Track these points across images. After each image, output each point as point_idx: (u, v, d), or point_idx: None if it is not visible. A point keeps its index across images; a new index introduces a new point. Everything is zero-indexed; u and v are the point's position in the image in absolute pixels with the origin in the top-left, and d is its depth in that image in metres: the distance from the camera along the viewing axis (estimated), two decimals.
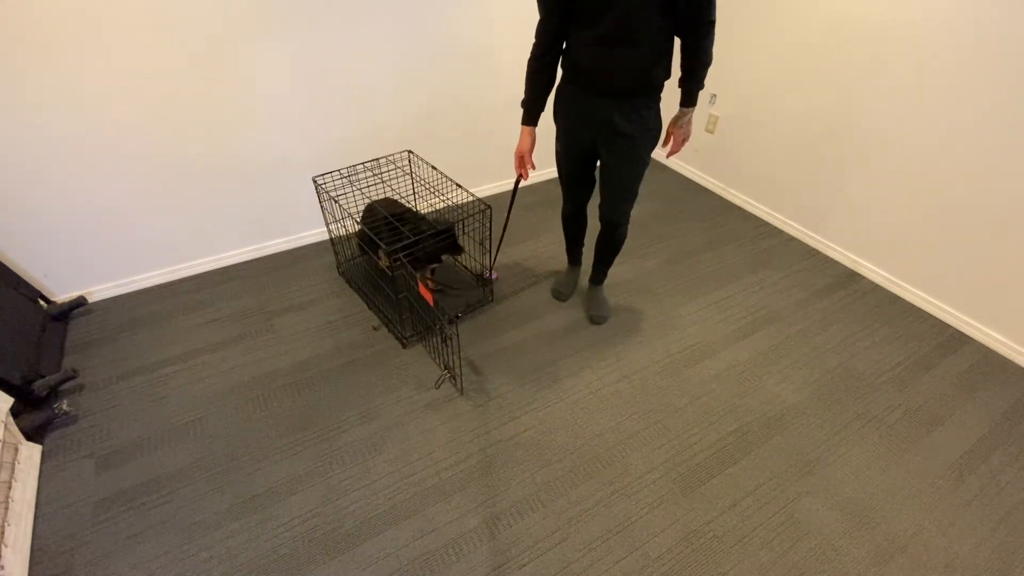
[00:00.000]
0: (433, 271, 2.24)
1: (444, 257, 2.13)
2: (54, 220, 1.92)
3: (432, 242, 1.93)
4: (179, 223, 2.16)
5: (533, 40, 1.59)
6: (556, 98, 1.73)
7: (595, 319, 2.13)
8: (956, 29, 1.83)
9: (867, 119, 2.18)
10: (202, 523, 1.46)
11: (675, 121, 1.70)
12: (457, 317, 2.11)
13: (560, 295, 2.23)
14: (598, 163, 1.81)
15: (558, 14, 1.51)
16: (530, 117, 1.70)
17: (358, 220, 2.13)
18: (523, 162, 1.79)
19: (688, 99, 1.64)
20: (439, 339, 1.86)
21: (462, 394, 1.82)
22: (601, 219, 1.90)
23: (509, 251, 2.50)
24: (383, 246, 1.80)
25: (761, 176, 2.75)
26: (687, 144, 1.75)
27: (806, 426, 1.76)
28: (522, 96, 1.67)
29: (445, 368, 1.88)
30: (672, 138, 1.72)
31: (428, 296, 1.76)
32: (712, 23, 1.47)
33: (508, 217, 2.09)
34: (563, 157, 1.86)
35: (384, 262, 1.88)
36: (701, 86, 1.60)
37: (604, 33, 1.46)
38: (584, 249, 2.23)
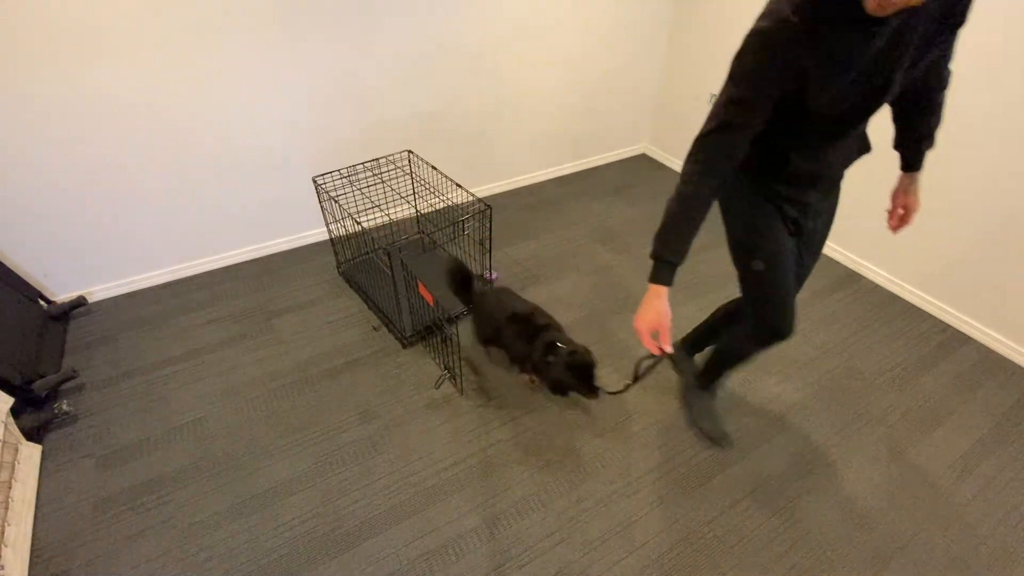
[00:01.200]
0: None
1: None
2: (54, 220, 1.92)
3: (565, 375, 1.58)
4: (179, 223, 2.16)
5: (699, 164, 1.05)
6: (759, 221, 1.26)
7: (722, 437, 1.68)
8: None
9: None
10: (202, 523, 1.46)
11: (906, 189, 1.35)
12: (457, 317, 2.11)
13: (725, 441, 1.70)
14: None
15: (765, 121, 1.02)
16: (672, 272, 1.13)
17: (358, 220, 2.13)
18: (663, 337, 1.17)
19: (920, 161, 1.30)
20: (439, 339, 1.86)
21: (462, 394, 1.82)
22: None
23: (509, 251, 2.50)
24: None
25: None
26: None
27: (806, 426, 1.76)
28: (656, 243, 1.13)
29: (445, 368, 1.88)
30: (907, 211, 1.39)
31: (428, 297, 1.76)
32: (951, 73, 1.16)
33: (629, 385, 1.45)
34: (779, 274, 1.31)
35: (528, 382, 1.78)
36: (934, 144, 1.29)
37: (846, 139, 1.16)
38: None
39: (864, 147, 1.27)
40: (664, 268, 1.13)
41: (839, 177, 1.32)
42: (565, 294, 2.26)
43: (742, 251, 1.33)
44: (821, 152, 1.17)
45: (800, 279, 1.39)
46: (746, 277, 1.35)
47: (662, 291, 1.14)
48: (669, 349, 1.18)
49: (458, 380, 1.84)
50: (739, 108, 1.02)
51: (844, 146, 1.19)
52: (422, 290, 1.77)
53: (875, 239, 2.33)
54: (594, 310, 2.19)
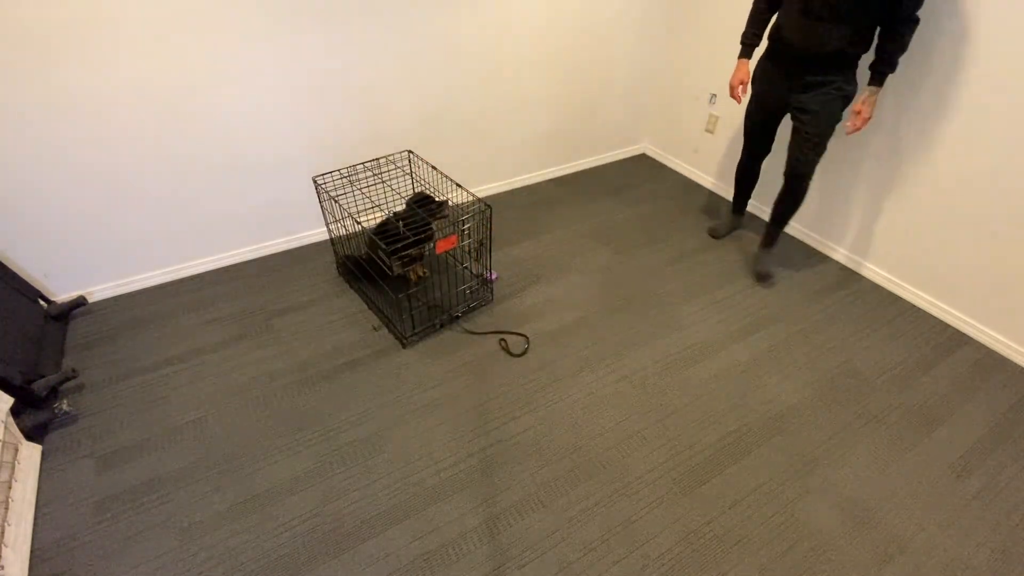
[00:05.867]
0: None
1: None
2: (54, 220, 1.92)
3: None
4: (179, 223, 2.16)
5: None
6: (758, 66, 2.05)
7: (763, 276, 2.33)
8: (957, 27, 1.83)
9: None
10: (202, 523, 1.46)
11: (865, 100, 1.84)
12: (456, 317, 2.11)
13: (717, 233, 2.61)
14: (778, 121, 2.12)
15: None
16: (747, 52, 2.04)
17: (358, 219, 2.13)
18: (735, 90, 2.07)
19: (878, 79, 1.80)
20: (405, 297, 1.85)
21: (404, 347, 1.83)
22: (787, 172, 2.09)
23: (509, 251, 2.50)
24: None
25: (761, 175, 2.74)
26: (866, 124, 1.90)
27: (806, 426, 1.76)
28: (743, 31, 2.03)
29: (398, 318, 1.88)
30: (860, 115, 1.86)
31: (449, 243, 1.85)
32: (915, 21, 1.67)
33: None
34: (753, 114, 2.16)
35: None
36: (893, 69, 1.77)
37: (811, 6, 1.71)
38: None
39: (835, 42, 1.74)
40: (743, 48, 2.05)
41: (811, 67, 1.86)
42: (565, 294, 2.26)
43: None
44: (794, 22, 1.81)
45: (797, 146, 2.04)
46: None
47: (743, 63, 2.05)
48: (743, 98, 2.13)
49: (399, 331, 1.84)
50: None
51: (814, 25, 1.74)
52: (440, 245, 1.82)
53: (875, 238, 2.33)
54: (593, 310, 2.19)
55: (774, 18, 1.93)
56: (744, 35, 2.02)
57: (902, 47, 1.72)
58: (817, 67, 1.83)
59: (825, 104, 1.87)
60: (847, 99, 1.87)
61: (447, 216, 2.04)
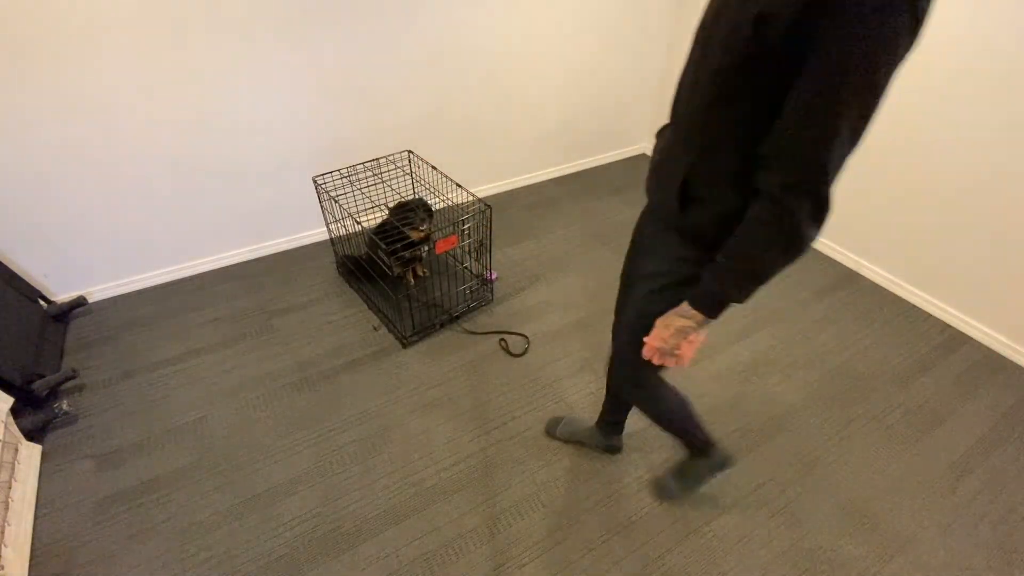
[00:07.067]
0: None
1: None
2: (55, 220, 1.92)
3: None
4: (179, 223, 2.16)
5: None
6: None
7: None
8: (958, 27, 1.83)
9: None
10: (202, 523, 1.46)
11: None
12: (456, 317, 2.11)
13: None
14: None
15: None
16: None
17: (358, 219, 2.13)
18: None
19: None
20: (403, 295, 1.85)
21: (404, 348, 1.83)
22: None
23: (509, 251, 2.50)
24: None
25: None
26: (674, 360, 1.07)
27: (806, 426, 1.76)
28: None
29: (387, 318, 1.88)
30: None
31: (449, 243, 1.82)
32: (784, 189, 0.75)
33: None
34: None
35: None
36: (723, 285, 0.88)
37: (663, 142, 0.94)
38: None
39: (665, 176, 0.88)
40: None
41: (649, 221, 0.98)
42: (565, 294, 2.26)
43: None
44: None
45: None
46: None
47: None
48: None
49: (395, 332, 1.84)
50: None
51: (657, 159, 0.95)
52: (440, 245, 1.80)
53: (875, 237, 2.33)
54: (594, 310, 2.19)
55: None
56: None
57: (748, 242, 0.83)
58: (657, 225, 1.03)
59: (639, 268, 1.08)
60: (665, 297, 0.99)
61: (426, 230, 2.02)
